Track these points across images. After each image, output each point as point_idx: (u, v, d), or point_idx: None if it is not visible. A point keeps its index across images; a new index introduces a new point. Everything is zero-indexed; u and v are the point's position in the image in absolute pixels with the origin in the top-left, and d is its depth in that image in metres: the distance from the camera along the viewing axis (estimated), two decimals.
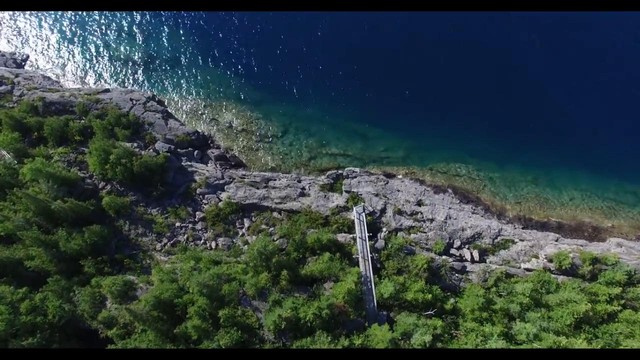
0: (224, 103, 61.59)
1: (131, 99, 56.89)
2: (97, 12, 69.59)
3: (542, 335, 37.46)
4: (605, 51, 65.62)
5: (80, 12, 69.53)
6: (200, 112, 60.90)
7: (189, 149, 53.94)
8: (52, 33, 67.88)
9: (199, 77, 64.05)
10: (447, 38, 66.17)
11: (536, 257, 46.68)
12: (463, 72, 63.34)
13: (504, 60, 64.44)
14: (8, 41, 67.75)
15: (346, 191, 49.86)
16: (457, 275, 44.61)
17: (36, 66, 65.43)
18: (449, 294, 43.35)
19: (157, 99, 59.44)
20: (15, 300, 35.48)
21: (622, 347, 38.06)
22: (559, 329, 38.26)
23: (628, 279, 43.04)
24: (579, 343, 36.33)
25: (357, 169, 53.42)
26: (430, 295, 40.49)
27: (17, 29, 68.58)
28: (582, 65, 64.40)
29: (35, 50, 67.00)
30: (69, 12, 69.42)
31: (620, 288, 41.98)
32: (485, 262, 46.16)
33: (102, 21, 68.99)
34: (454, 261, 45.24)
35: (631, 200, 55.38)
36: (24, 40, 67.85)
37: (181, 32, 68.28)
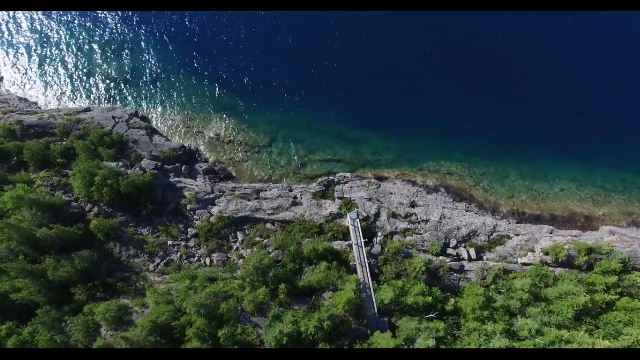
0: (210, 115, 60.49)
1: (114, 117, 55.57)
2: (72, 28, 67.93)
3: (544, 330, 37.55)
4: (590, 45, 66.40)
5: (54, 29, 67.75)
6: (185, 126, 59.66)
7: (177, 164, 52.82)
8: (27, 52, 65.84)
9: (181, 90, 62.81)
10: (431, 40, 66.14)
11: (532, 251, 46.89)
12: (448, 71, 63.51)
13: (488, 57, 64.73)
14: None
15: (339, 198, 49.40)
16: (455, 275, 44.48)
17: (11, 88, 63.34)
18: (448, 294, 43.19)
19: (140, 116, 58.29)
20: (1, 337, 34.03)
21: (624, 335, 38.25)
22: (560, 322, 38.36)
23: (623, 266, 43.58)
24: (581, 335, 36.45)
25: (349, 174, 53.07)
26: (430, 298, 40.22)
27: None
28: (567, 58, 65.18)
29: (9, 72, 64.88)
30: (43, 29, 67.63)
31: (616, 276, 42.48)
32: (483, 260, 46.21)
33: (79, 37, 67.26)
34: (451, 261, 45.13)
35: (620, 188, 56.12)
36: None
37: (160, 44, 66.88)
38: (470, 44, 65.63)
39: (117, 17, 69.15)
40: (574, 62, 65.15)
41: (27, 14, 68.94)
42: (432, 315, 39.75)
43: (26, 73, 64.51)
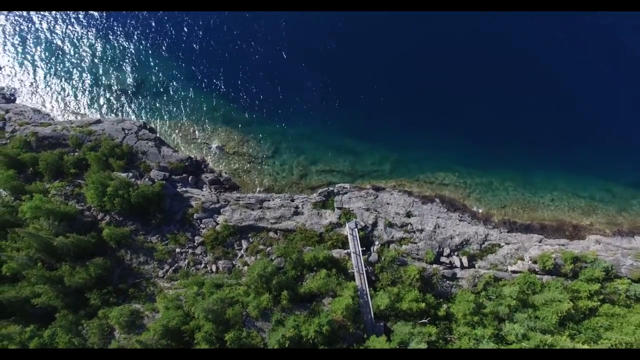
0: (215, 127, 63.10)
1: (123, 129, 58.15)
2: (81, 40, 70.75)
3: (529, 334, 40.03)
4: (582, 53, 68.73)
5: (64, 40, 70.57)
6: (191, 137, 62.33)
7: (183, 175, 55.33)
8: (39, 64, 68.61)
9: (187, 102, 65.45)
10: (427, 50, 68.77)
11: (522, 259, 49.41)
12: (442, 83, 65.94)
13: (481, 68, 67.09)
14: None
15: (338, 208, 51.95)
16: (448, 282, 47.00)
17: (26, 100, 66.05)
18: (441, 300, 45.62)
19: (148, 127, 60.82)
20: (24, 339, 36.60)
21: (603, 340, 40.82)
22: (545, 327, 40.88)
23: (606, 274, 45.99)
24: (563, 339, 39.00)
25: (347, 185, 55.57)
26: (423, 304, 42.68)
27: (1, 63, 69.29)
28: (557, 68, 67.42)
29: (23, 84, 67.59)
30: (54, 41, 70.46)
31: (599, 284, 44.96)
32: (474, 268, 48.70)
33: (89, 50, 70.03)
34: (444, 269, 47.63)
35: (607, 198, 58.44)
36: (10, 74, 68.44)
37: (166, 56, 69.53)
38: (465, 56, 68.04)
39: (125, 29, 71.94)
40: (564, 73, 67.31)
41: (37, 25, 71.79)
42: (425, 320, 42.21)
43: (39, 85, 67.23)
